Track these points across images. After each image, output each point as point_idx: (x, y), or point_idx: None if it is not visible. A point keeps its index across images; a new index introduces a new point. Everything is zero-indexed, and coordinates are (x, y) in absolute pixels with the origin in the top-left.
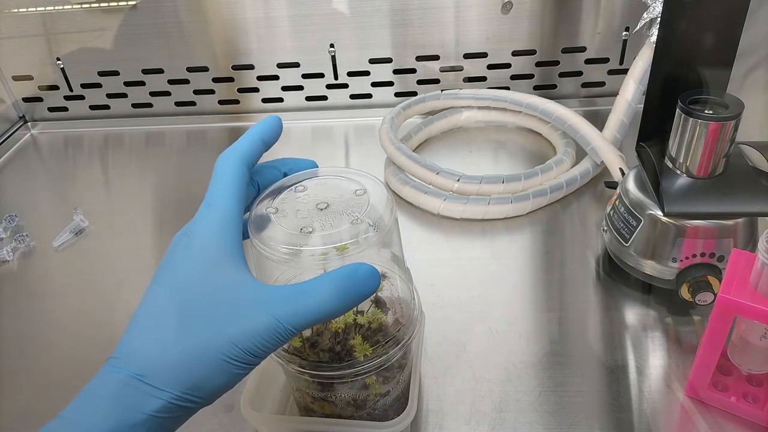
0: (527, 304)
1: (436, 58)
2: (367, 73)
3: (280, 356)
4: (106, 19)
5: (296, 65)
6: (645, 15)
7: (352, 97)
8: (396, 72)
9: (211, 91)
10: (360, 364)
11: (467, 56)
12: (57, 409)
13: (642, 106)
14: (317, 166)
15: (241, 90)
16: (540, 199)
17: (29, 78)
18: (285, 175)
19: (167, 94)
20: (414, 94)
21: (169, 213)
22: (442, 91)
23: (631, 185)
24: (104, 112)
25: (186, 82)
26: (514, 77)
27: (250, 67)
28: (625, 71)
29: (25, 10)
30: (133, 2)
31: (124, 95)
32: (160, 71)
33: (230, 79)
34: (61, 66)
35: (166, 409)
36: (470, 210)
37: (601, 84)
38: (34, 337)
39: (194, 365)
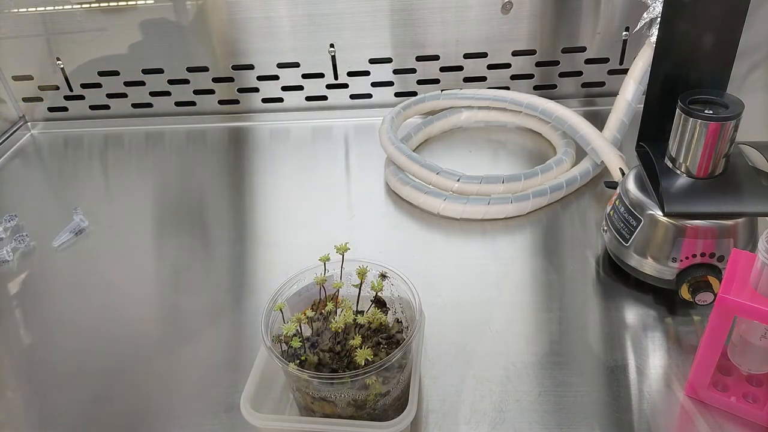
0: (527, 304)
1: (436, 58)
2: (367, 73)
3: (280, 356)
4: (106, 19)
5: (296, 65)
6: (645, 15)
7: (352, 97)
8: (396, 72)
9: (211, 91)
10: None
11: (467, 56)
12: (56, 408)
13: (642, 106)
14: None
15: (241, 90)
16: (540, 199)
17: (29, 78)
18: None
19: (167, 94)
20: (414, 94)
21: (169, 213)
22: (442, 91)
23: (631, 185)
24: (104, 112)
25: (186, 82)
26: (514, 77)
27: (250, 67)
28: (625, 71)
29: (25, 10)
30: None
31: (124, 95)
32: (160, 71)
33: (230, 79)
34: (61, 66)
35: None
36: (470, 210)
37: (601, 84)
38: (34, 336)
39: None
